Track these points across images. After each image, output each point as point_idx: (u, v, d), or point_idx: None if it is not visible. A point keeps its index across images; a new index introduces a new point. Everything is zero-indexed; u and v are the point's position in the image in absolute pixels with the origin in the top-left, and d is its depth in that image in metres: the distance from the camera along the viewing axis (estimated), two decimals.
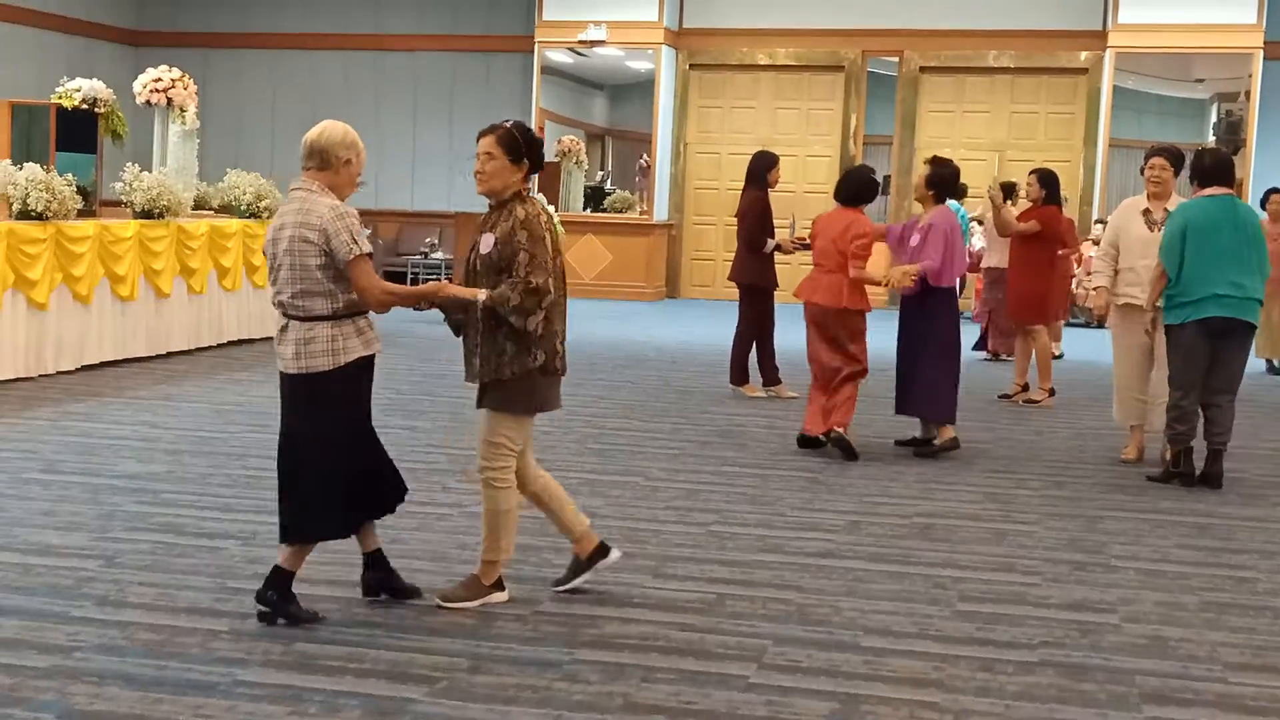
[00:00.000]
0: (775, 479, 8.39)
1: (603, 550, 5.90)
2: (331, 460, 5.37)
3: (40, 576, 5.85)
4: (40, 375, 11.08)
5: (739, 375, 11.71)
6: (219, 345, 13.61)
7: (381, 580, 5.67)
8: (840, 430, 9.04)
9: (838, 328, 9.11)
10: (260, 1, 22.49)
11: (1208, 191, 8.54)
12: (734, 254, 11.89)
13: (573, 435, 9.53)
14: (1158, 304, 8.70)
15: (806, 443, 9.26)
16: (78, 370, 11.50)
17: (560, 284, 5.63)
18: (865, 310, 9.18)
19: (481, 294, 5.45)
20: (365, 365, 5.44)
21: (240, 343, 13.96)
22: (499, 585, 5.73)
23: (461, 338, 5.64)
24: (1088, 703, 4.87)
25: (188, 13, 22.59)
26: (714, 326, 16.21)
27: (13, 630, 5.17)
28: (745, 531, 7.09)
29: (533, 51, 21.00)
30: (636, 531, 6.98)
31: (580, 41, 20.64)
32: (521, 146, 5.53)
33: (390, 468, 5.64)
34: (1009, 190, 14.22)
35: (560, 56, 21.27)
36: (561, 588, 5.88)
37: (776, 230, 11.68)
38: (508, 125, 5.57)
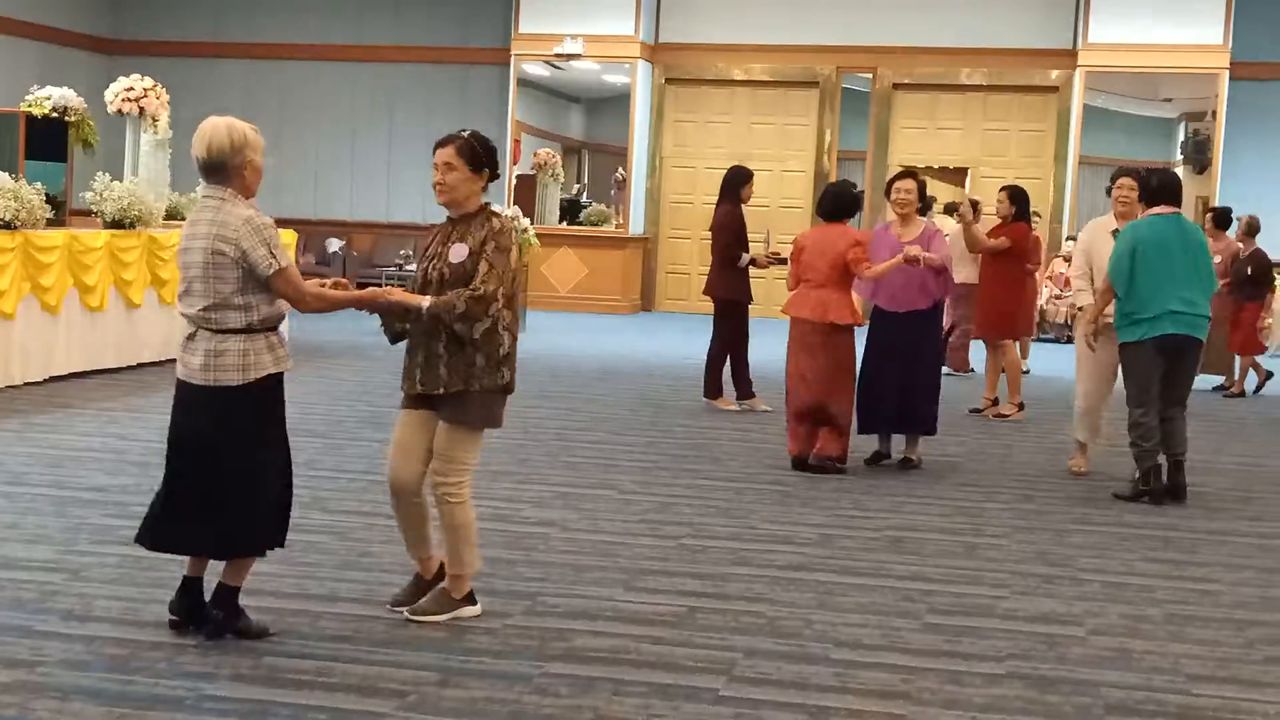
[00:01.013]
0: (748, 492, 8.40)
1: (442, 574, 5.74)
2: (258, 470, 5.23)
3: (4, 590, 5.80)
4: (7, 386, 10.98)
5: (713, 389, 11.72)
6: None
7: (196, 608, 5.34)
8: (831, 459, 8.99)
9: (825, 343, 8.98)
10: (235, 11, 22.44)
11: (1156, 210, 8.69)
12: (709, 268, 11.91)
13: (545, 447, 9.52)
14: (1108, 320, 8.80)
15: (800, 465, 9.10)
16: (45, 381, 11.41)
17: (515, 302, 5.57)
18: (855, 325, 9.07)
19: (426, 301, 5.38)
20: (276, 382, 5.28)
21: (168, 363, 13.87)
22: (470, 599, 5.71)
23: (406, 347, 5.57)
24: (1053, 714, 4.89)
25: (161, 22, 22.51)
26: (688, 340, 16.23)
27: None
28: (717, 544, 7.09)
29: (509, 64, 21.01)
30: (608, 544, 6.98)
31: (557, 55, 20.67)
32: (481, 156, 5.50)
33: (288, 506, 5.43)
34: (952, 209, 14.28)
35: (537, 69, 21.30)
36: (418, 617, 5.64)
37: (751, 245, 11.70)
38: (465, 135, 5.54)
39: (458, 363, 5.44)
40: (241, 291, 5.12)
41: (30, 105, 12.98)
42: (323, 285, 5.45)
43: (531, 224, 17.82)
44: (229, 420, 5.17)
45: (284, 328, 5.36)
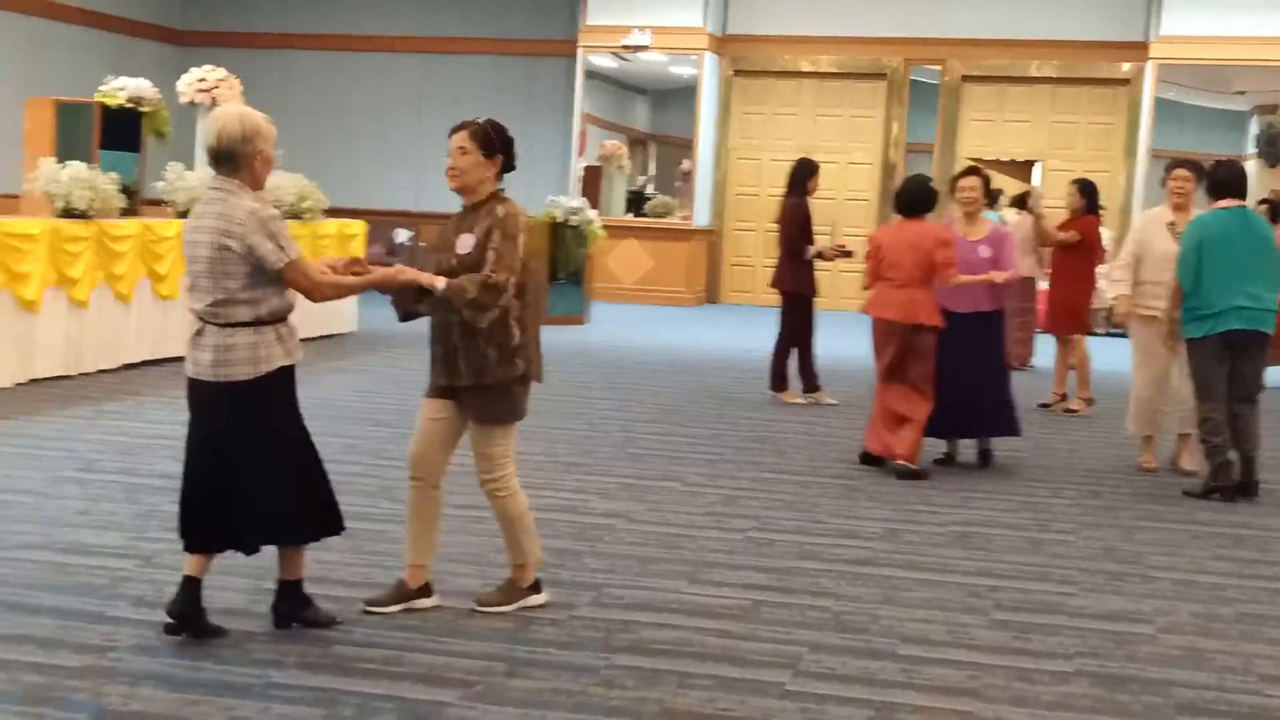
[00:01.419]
0: (813, 486, 8.37)
1: (426, 591, 5.66)
2: (281, 463, 5.16)
3: (76, 576, 5.87)
4: (79, 374, 11.13)
5: (778, 381, 11.70)
6: None
7: (196, 612, 5.19)
8: (907, 463, 8.72)
9: (911, 344, 8.71)
10: (303, 2, 22.61)
11: (1222, 203, 8.59)
12: (775, 261, 11.88)
13: (611, 439, 9.54)
14: (1175, 315, 8.74)
15: (869, 460, 8.97)
16: (117, 369, 11.55)
17: (537, 290, 5.51)
18: (939, 327, 8.74)
19: (440, 282, 5.32)
20: (288, 374, 5.20)
21: None
22: (535, 588, 5.73)
23: (429, 339, 5.53)
24: (1123, 713, 4.84)
25: (230, 12, 22.72)
26: (753, 332, 16.17)
27: (48, 629, 5.19)
28: (782, 538, 7.08)
29: (576, 56, 21.02)
30: (673, 536, 6.98)
31: (624, 46, 20.66)
32: (495, 142, 5.44)
33: (326, 493, 5.36)
34: (1021, 203, 14.12)
35: (603, 61, 21.29)
36: (375, 609, 5.56)
37: (817, 237, 11.66)
38: (481, 121, 5.50)
39: (472, 356, 5.40)
40: (249, 286, 5.02)
41: (105, 96, 13.08)
42: (336, 266, 5.36)
43: (597, 215, 17.87)
44: (243, 416, 5.09)
45: (294, 318, 5.25)
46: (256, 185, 5.12)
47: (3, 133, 16.28)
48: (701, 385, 12.50)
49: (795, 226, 11.51)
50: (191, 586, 5.17)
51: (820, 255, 11.55)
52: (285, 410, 5.21)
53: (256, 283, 5.03)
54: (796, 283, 11.59)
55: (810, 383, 11.65)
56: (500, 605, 5.63)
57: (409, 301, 5.52)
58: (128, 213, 11.97)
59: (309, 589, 5.42)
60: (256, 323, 5.06)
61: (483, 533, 6.80)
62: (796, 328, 11.63)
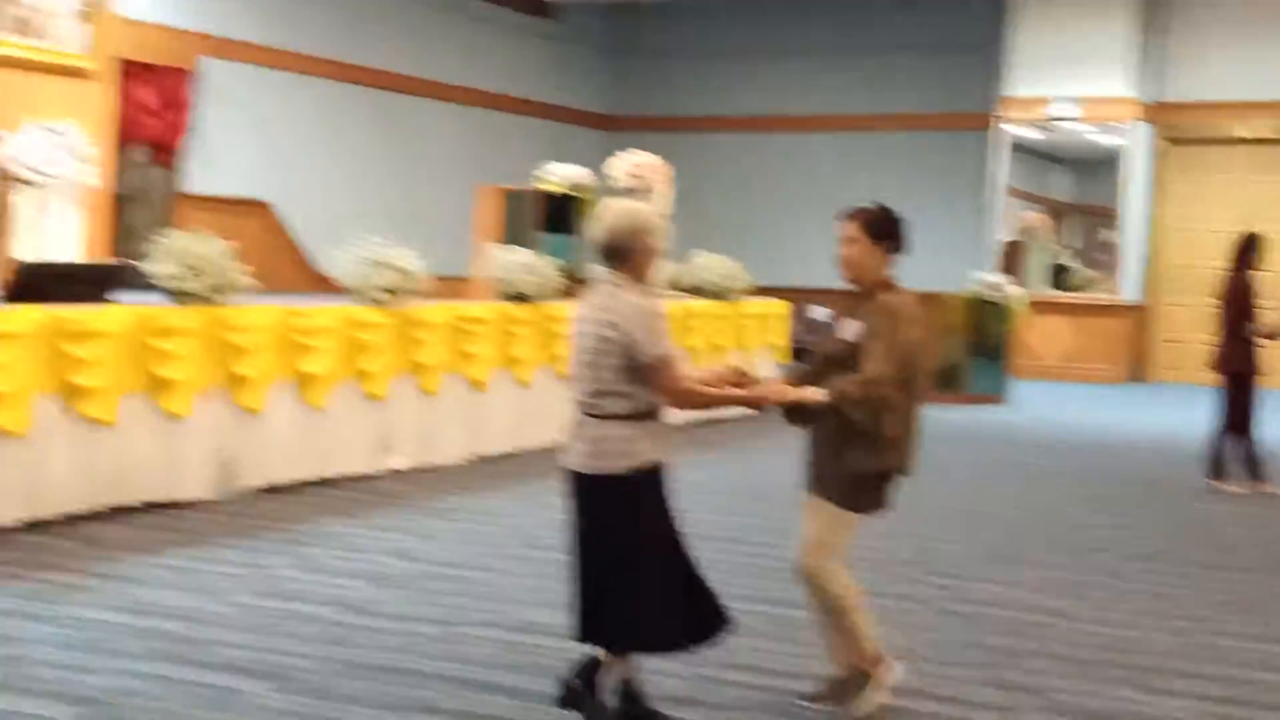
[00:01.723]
0: (1264, 586, 7.95)
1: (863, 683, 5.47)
2: (642, 563, 5.07)
3: (528, 655, 6.06)
4: (523, 450, 11.60)
5: (1217, 468, 11.19)
6: (691, 425, 13.84)
7: (581, 690, 5.20)
8: None
9: None
10: (724, 86, 23.17)
11: None
12: (1213, 339, 11.41)
13: (1037, 528, 9.32)
14: None
15: None
16: (556, 447, 11.90)
17: (918, 383, 5.33)
18: None
19: (820, 394, 5.23)
20: (659, 471, 5.11)
21: (707, 423, 14.00)
22: (879, 662, 5.45)
23: (809, 434, 5.44)
24: None
25: (656, 97, 23.52)
26: (1186, 414, 15.49)
27: (504, 709, 5.36)
28: (1233, 643, 6.74)
29: (993, 127, 20.76)
30: (1115, 638, 6.74)
31: (1050, 118, 20.30)
32: (883, 227, 5.38)
33: (706, 591, 5.23)
34: None
35: (1020, 131, 20.93)
36: (815, 704, 5.49)
37: (1264, 314, 11.14)
38: (869, 207, 5.44)
39: (841, 443, 5.28)
40: (625, 379, 5.02)
41: (544, 182, 13.71)
42: (722, 376, 5.34)
43: (1019, 290, 17.56)
44: (610, 511, 5.08)
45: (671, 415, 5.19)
46: (641, 278, 5.17)
47: (453, 217, 17.22)
48: (1132, 470, 12.08)
49: (1237, 303, 11.05)
50: (590, 663, 5.20)
51: (1267, 334, 11.03)
52: (652, 510, 5.14)
53: (632, 377, 5.03)
54: (1236, 362, 11.10)
55: (1254, 470, 11.10)
56: (864, 703, 5.42)
57: (797, 418, 5.46)
58: (567, 296, 12.47)
59: (752, 679, 5.45)
60: (631, 416, 5.06)
61: (907, 625, 6.68)
62: (1237, 410, 11.12)
